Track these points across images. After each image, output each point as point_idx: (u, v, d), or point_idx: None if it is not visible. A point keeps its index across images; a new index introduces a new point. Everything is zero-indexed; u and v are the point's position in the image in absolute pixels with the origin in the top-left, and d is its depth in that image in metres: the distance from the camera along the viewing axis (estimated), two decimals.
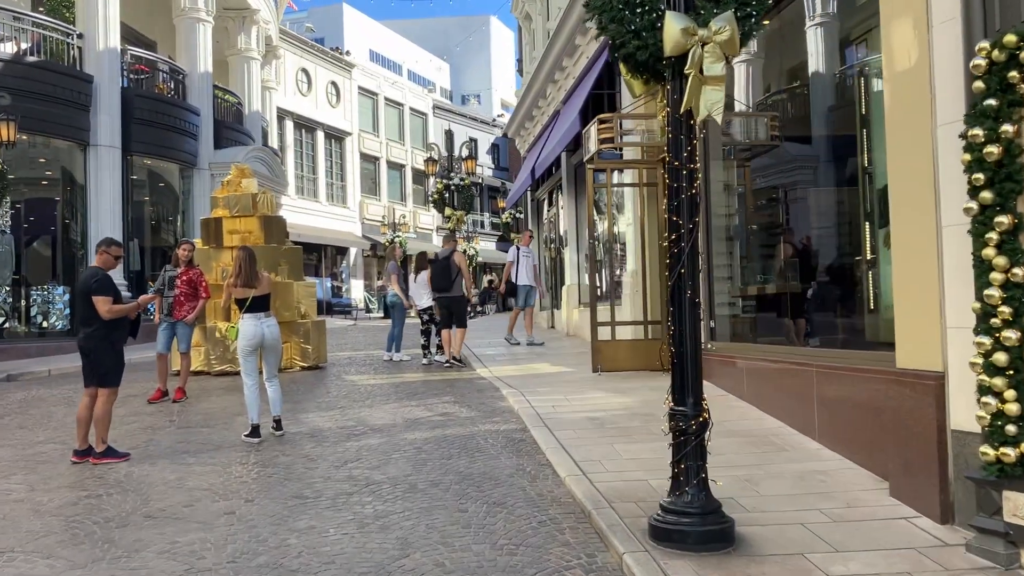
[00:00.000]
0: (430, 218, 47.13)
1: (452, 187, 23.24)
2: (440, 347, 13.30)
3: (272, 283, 8.31)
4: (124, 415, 9.34)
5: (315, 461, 6.91)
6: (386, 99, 44.65)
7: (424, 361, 13.19)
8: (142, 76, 21.16)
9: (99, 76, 18.95)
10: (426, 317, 13.28)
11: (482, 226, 48.75)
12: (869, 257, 7.10)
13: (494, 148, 52.40)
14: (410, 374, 12.07)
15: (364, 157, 42.66)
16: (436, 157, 23.95)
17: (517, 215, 35.38)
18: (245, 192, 12.94)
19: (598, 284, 13.11)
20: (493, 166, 51.58)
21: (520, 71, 22.50)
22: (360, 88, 42.49)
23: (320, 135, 39.20)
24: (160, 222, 22.65)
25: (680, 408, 4.74)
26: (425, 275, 13.01)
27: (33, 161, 19.35)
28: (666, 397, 4.89)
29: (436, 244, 45.71)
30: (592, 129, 10.09)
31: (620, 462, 6.31)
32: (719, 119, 4.70)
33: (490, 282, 38.00)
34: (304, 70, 38.23)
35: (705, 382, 9.26)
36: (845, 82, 7.78)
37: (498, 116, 55.80)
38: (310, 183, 38.87)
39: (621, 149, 11.43)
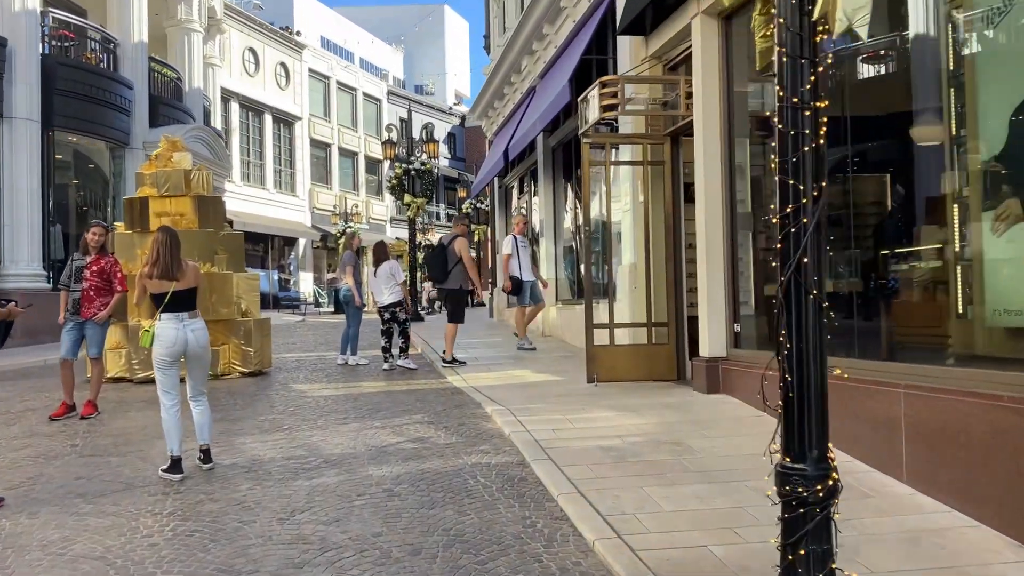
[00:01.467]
0: (383, 208, 45.24)
1: (412, 171, 21.46)
2: (404, 349, 11.67)
3: (201, 275, 6.56)
4: (15, 436, 7.54)
5: (252, 510, 5.22)
6: (338, 83, 42.60)
7: (385, 366, 11.53)
8: (67, 43, 19.01)
9: (14, 39, 16.81)
10: (387, 316, 11.63)
11: (438, 218, 47.00)
12: (958, 248, 5.65)
13: (450, 137, 50.63)
14: (370, 383, 10.39)
15: (314, 143, 40.59)
16: (395, 139, 22.15)
17: (478, 205, 33.70)
18: (177, 168, 11.10)
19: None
20: (449, 156, 49.83)
21: (487, 48, 20.87)
22: (311, 71, 40.40)
23: (268, 119, 37.06)
24: (88, 207, 20.50)
25: (798, 467, 3.18)
26: (386, 267, 11.44)
27: None
28: (769, 448, 3.35)
29: (390, 235, 43.88)
30: (592, 94, 8.52)
31: (663, 517, 4.74)
32: (864, 33, 3.17)
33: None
34: (251, 49, 36.06)
35: (728, 397, 7.72)
36: (928, 38, 6.32)
37: (454, 104, 54.06)
38: (257, 169, 36.72)
39: (616, 121, 9.91)
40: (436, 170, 23.65)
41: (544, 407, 7.69)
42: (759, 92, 8.05)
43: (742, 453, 5.93)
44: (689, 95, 8.30)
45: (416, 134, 23.12)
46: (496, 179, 19.01)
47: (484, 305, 34.02)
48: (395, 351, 11.66)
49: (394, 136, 21.86)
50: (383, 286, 11.60)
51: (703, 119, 8.00)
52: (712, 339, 7.95)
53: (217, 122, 28.05)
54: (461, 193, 38.05)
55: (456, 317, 11.27)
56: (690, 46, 8.64)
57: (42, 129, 17.34)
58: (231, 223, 31.82)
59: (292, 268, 39.39)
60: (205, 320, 6.40)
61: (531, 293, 12.71)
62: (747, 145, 8.03)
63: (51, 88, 17.47)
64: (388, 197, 45.69)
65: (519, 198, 18.01)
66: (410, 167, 21.15)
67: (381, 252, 11.93)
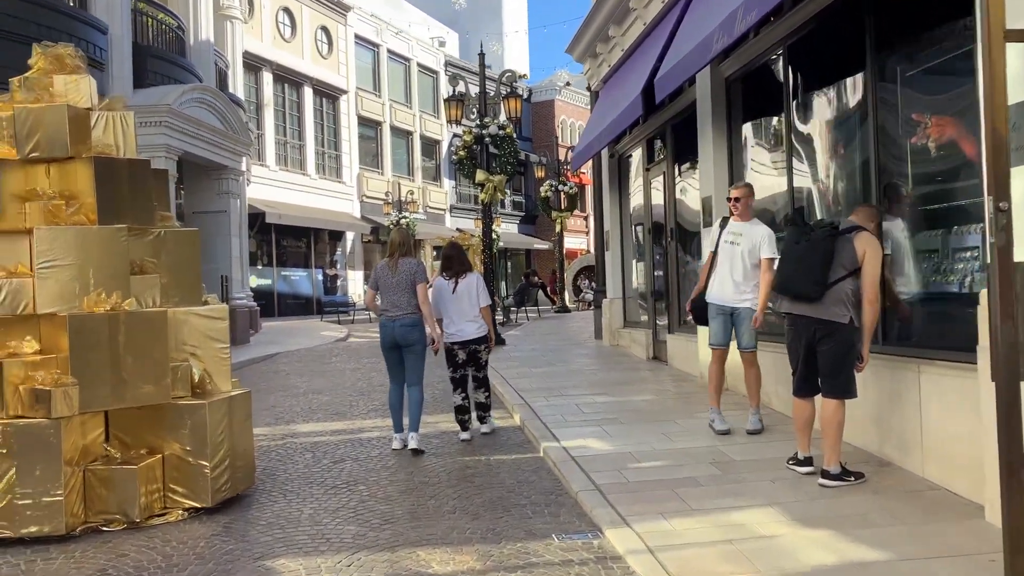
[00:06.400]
0: (442, 196, 39.88)
1: (487, 139, 16.11)
2: (487, 408, 6.95)
3: None
4: None
5: None
6: (389, 52, 37.25)
7: (464, 436, 6.98)
8: None
9: None
10: (464, 357, 6.75)
11: (502, 205, 41.49)
12: None
13: None
14: (438, 523, 4.88)
15: (363, 121, 35.30)
16: (463, 93, 16.74)
17: (559, 187, 28.10)
18: (56, 103, 5.81)
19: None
20: (515, 135, 44.25)
21: None
22: (358, 37, 35.10)
23: (307, 92, 31.86)
24: None
25: None
26: (471, 282, 6.78)
27: None
28: None
29: (449, 227, 38.60)
30: None
31: None
32: None
33: (526, 275, 30.62)
34: (286, 10, 30.90)
35: None
36: None
37: (520, 76, 48.36)
38: (295, 151, 31.58)
39: None
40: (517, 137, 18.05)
41: None
42: None
43: None
44: None
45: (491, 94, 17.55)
46: (607, 149, 13.41)
47: (568, 311, 28.16)
48: (473, 405, 6.70)
49: (461, 88, 16.39)
50: (465, 310, 6.59)
51: None
52: None
53: (241, 91, 22.91)
54: (539, 173, 32.18)
55: (843, 387, 5.18)
56: None
57: None
58: (262, 215, 26.67)
59: (340, 266, 34.31)
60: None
61: (740, 328, 6.88)
62: None
63: None
64: (447, 183, 40.31)
65: (647, 170, 12.39)
66: (484, 132, 15.71)
67: (460, 259, 6.84)
